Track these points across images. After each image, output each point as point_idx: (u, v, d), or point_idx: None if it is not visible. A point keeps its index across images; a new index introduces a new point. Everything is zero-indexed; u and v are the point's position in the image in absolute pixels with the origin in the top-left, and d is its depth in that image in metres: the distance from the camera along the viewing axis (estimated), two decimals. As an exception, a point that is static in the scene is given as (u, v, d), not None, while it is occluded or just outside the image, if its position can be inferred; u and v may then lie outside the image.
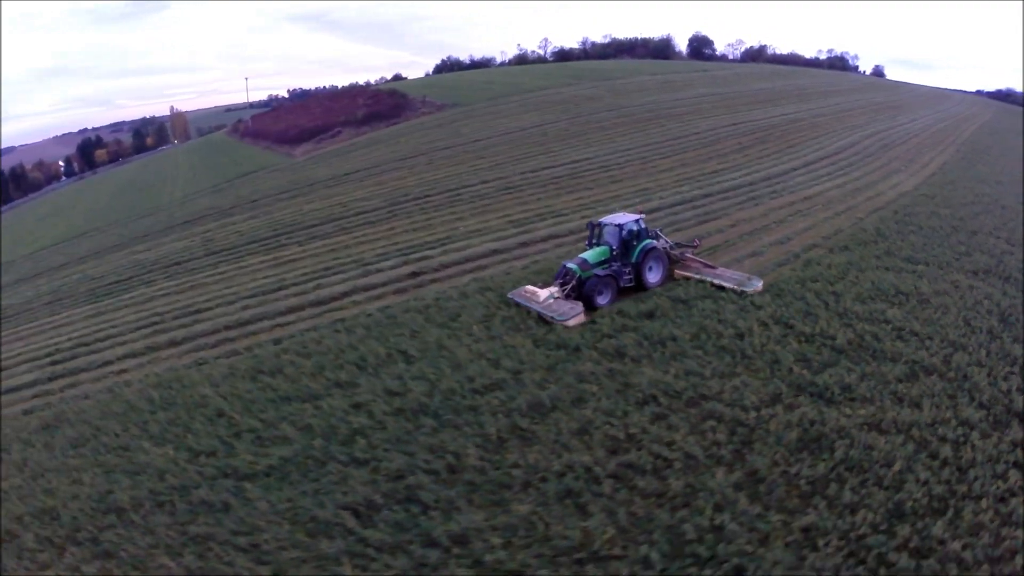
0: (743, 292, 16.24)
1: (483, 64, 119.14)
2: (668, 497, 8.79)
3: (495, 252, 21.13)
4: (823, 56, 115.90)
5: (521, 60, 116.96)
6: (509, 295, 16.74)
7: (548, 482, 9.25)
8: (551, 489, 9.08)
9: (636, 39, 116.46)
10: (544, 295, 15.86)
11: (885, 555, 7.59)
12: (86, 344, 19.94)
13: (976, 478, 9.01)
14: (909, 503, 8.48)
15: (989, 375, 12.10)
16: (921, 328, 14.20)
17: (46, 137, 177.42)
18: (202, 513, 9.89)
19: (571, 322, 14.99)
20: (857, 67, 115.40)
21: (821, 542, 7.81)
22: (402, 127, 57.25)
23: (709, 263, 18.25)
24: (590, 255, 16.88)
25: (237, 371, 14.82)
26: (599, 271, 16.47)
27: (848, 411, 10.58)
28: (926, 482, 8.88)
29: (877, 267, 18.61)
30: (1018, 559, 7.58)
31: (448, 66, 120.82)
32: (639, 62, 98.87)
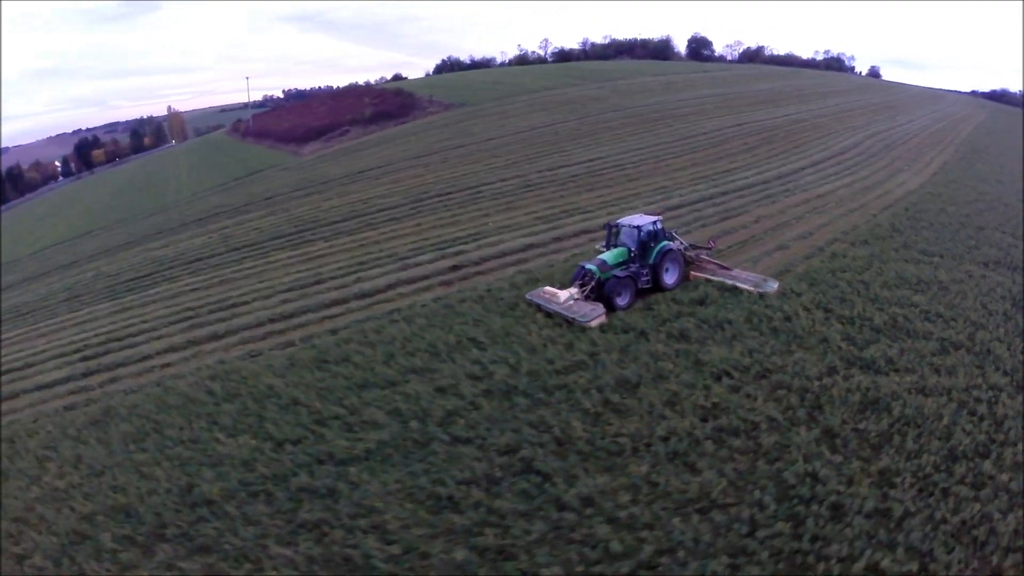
0: (762, 294, 16.36)
1: (484, 64, 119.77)
2: (762, 453, 10.02)
3: (530, 247, 21.75)
4: (820, 57, 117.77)
5: (522, 60, 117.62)
6: (527, 296, 16.86)
7: (655, 446, 10.25)
8: (660, 451, 10.13)
9: (635, 40, 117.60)
10: (564, 296, 15.93)
11: (949, 488, 9.12)
12: (117, 339, 20.08)
13: (1010, 428, 10.68)
14: (960, 448, 10.09)
15: (1009, 349, 13.81)
16: (945, 311, 15.70)
17: (40, 138, 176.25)
18: (307, 500, 9.91)
19: (593, 323, 15.05)
20: (853, 68, 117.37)
21: (897, 480, 9.30)
22: (410, 126, 57.79)
23: (724, 264, 18.41)
24: (609, 256, 16.91)
25: (299, 361, 15.00)
26: (618, 272, 16.49)
27: (896, 379, 12.05)
28: (970, 432, 10.48)
29: (897, 259, 19.71)
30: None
31: (448, 66, 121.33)
32: (639, 63, 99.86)
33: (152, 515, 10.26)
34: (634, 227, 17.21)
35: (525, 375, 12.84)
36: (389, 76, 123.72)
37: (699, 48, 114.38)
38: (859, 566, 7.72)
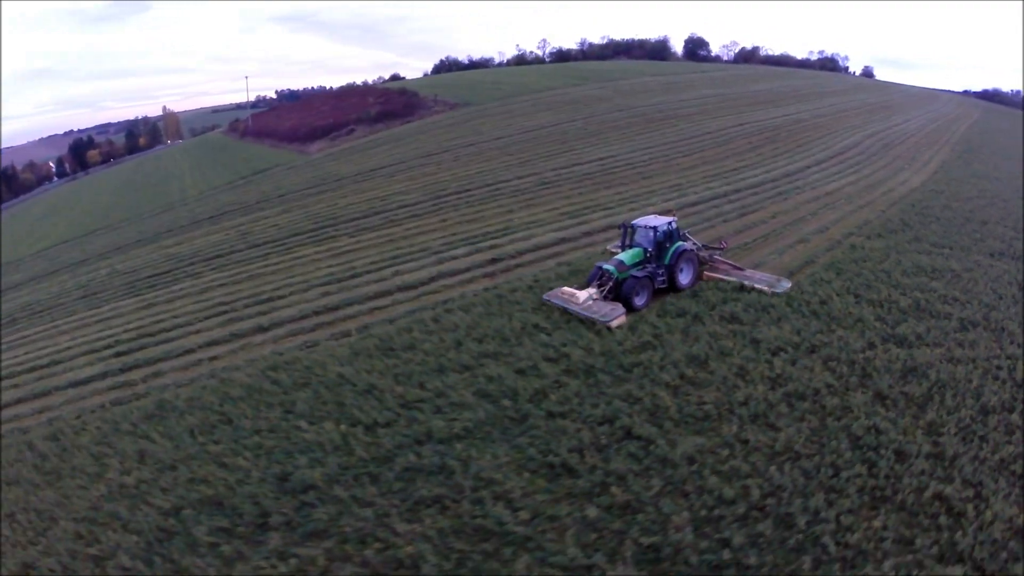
0: (775, 293, 16.71)
1: (482, 64, 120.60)
2: (828, 412, 11.45)
3: (563, 240, 22.50)
4: (814, 57, 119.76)
5: (520, 60, 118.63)
6: (544, 296, 17.05)
7: (736, 411, 11.52)
8: (743, 414, 11.42)
9: (633, 40, 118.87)
10: (583, 297, 16.14)
11: (986, 435, 10.86)
12: (150, 335, 20.05)
13: (1031, 389, 12.38)
14: (990, 404, 11.76)
15: (1020, 326, 15.49)
16: (960, 295, 17.25)
17: (32, 139, 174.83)
18: (418, 477, 10.23)
19: (614, 323, 15.24)
20: (847, 68, 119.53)
21: (943, 430, 10.97)
22: (416, 125, 58.31)
23: (737, 265, 18.73)
24: (626, 257, 17.09)
25: (362, 350, 15.32)
26: (636, 272, 16.69)
27: (927, 351, 13.71)
28: (996, 392, 12.19)
29: (911, 251, 20.95)
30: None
31: (447, 66, 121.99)
32: (637, 63, 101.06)
33: (249, 505, 10.13)
34: (650, 228, 17.42)
35: (600, 355, 13.79)
36: (382, 76, 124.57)
37: (695, 48, 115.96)
38: (928, 495, 9.31)
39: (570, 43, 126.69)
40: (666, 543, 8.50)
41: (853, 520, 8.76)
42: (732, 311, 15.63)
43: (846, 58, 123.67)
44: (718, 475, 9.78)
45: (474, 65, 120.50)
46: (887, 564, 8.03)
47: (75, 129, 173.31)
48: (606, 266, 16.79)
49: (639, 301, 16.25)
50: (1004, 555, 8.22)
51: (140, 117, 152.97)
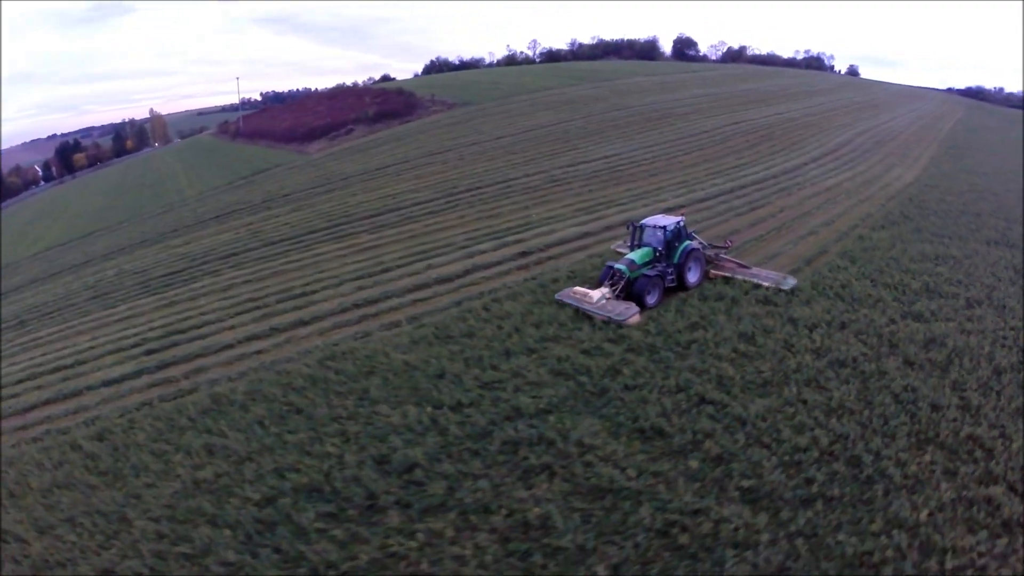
0: (780, 290, 17.21)
1: (472, 65, 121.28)
2: (867, 376, 13.06)
3: (586, 235, 23.36)
4: (800, 56, 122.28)
5: (510, 61, 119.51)
6: (556, 296, 17.31)
7: (790, 376, 13.00)
8: (798, 379, 12.90)
9: (622, 40, 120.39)
10: (597, 296, 16.37)
11: (1001, 390, 12.59)
12: (180, 332, 19.93)
13: (1036, 354, 14.44)
14: (1002, 366, 13.57)
15: (1020, 303, 17.34)
16: (964, 278, 19.02)
17: (15, 144, 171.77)
18: (520, 449, 10.90)
19: (630, 321, 15.57)
20: (833, 67, 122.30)
21: (966, 387, 12.71)
22: (415, 125, 58.81)
23: (743, 263, 19.15)
24: (636, 256, 17.34)
25: (421, 338, 15.81)
26: (647, 271, 17.01)
27: (942, 325, 15.46)
28: (1006, 356, 14.00)
29: (915, 240, 22.53)
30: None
31: (437, 67, 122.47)
32: (628, 63, 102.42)
33: (354, 488, 10.28)
34: (659, 227, 17.76)
35: (657, 335, 14.97)
36: (372, 77, 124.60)
37: (684, 48, 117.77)
38: (962, 435, 11.06)
39: (558, 43, 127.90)
40: (762, 484, 9.82)
41: (907, 457, 10.42)
42: (765, 295, 17.04)
43: (831, 57, 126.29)
44: (789, 428, 11.23)
45: (465, 65, 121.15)
46: (943, 486, 9.69)
47: (58, 133, 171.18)
48: (617, 265, 17.10)
49: (651, 299, 16.61)
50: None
51: (127, 120, 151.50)
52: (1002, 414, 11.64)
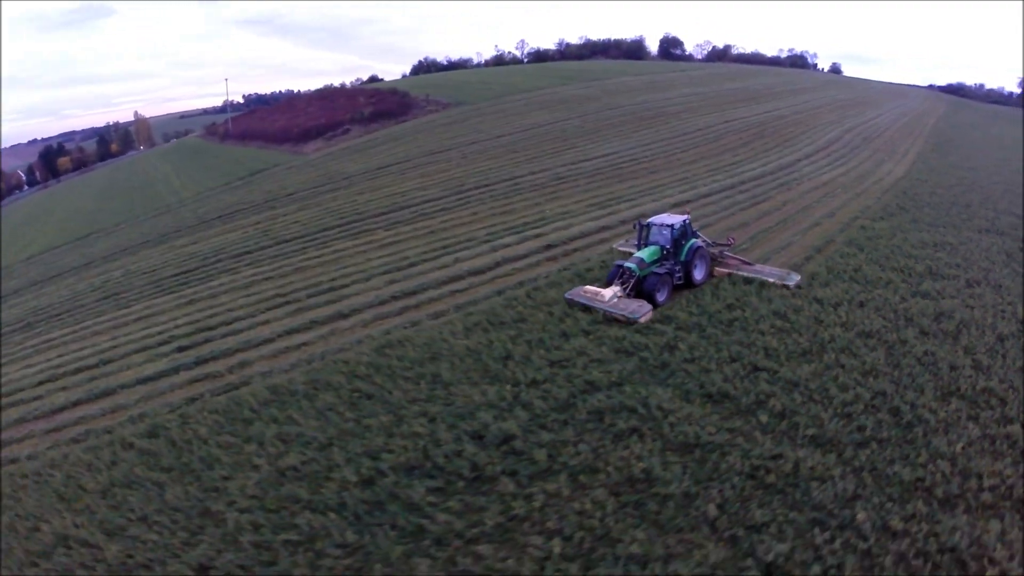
0: (785, 285, 17.67)
1: (461, 65, 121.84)
2: (891, 344, 14.62)
3: (604, 228, 24.26)
4: (784, 55, 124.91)
5: (499, 61, 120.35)
6: (566, 295, 17.50)
7: (827, 345, 14.50)
8: (835, 347, 14.40)
9: (609, 40, 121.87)
10: (608, 295, 16.61)
11: (1006, 352, 14.22)
12: (209, 328, 19.99)
13: (1036, 329, 16.08)
14: (1005, 334, 15.16)
15: (1013, 282, 18.97)
16: (961, 262, 20.59)
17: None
18: (606, 416, 11.82)
19: (643, 319, 15.82)
20: (816, 65, 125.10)
21: (975, 350, 14.34)
22: (412, 124, 59.35)
23: (746, 260, 19.54)
24: (645, 254, 17.61)
25: (474, 325, 16.46)
26: (657, 269, 17.32)
27: (948, 302, 17.03)
28: (1007, 326, 15.60)
29: (913, 229, 23.96)
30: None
31: (425, 67, 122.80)
32: (616, 63, 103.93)
33: (457, 462, 10.73)
34: (666, 226, 18.09)
35: (700, 315, 16.20)
36: (360, 78, 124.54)
37: (670, 48, 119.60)
38: (979, 388, 12.65)
39: (546, 43, 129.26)
40: (824, 432, 11.23)
41: (937, 406, 12.01)
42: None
43: (815, 55, 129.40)
44: (835, 387, 12.72)
45: (453, 66, 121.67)
46: (970, 427, 11.34)
47: (39, 138, 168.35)
48: (628, 264, 17.36)
49: (660, 297, 16.92)
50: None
51: (111, 123, 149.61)
52: (1011, 372, 13.34)
